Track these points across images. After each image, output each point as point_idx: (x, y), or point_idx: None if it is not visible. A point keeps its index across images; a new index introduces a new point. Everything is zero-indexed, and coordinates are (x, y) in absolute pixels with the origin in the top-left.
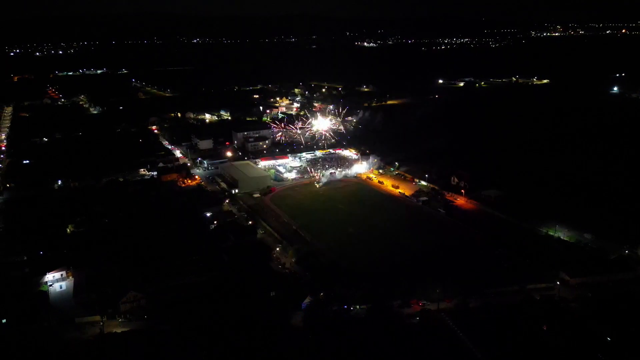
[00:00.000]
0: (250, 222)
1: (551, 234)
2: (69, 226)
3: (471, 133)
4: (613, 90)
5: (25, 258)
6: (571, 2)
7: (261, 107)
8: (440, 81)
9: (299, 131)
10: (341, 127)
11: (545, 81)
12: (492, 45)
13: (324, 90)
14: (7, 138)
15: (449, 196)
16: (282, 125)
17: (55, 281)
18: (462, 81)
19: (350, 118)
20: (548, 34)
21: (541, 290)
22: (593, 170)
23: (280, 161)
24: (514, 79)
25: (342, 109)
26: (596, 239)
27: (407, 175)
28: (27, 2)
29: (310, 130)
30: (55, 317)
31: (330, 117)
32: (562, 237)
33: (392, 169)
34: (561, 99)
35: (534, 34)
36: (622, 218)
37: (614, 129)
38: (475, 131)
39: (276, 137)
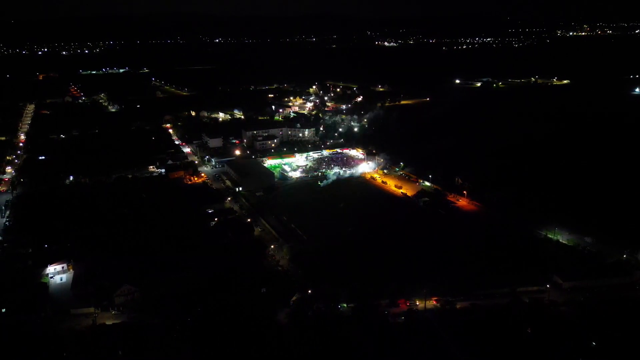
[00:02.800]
0: (249, 220)
1: (550, 236)
2: (75, 220)
3: (480, 134)
4: (635, 91)
5: (30, 250)
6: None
7: (273, 107)
8: (457, 81)
9: None
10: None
11: (565, 82)
12: (516, 45)
13: (338, 90)
14: (26, 135)
15: (451, 197)
16: None
17: (56, 273)
18: (479, 81)
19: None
20: (574, 34)
21: (532, 293)
22: (601, 174)
23: (286, 160)
24: (532, 79)
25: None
26: (597, 242)
27: (411, 175)
28: (57, 3)
29: None
30: (53, 308)
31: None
32: (560, 240)
33: (397, 169)
34: (578, 100)
35: (560, 34)
36: (625, 222)
37: (626, 132)
38: (484, 132)
39: None
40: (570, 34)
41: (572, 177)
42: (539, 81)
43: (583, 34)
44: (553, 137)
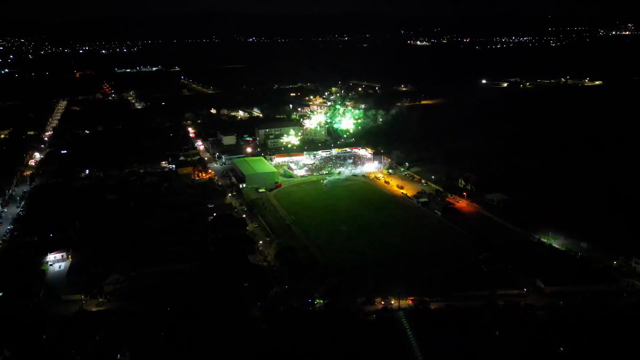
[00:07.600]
0: (244, 216)
1: (543, 240)
2: (82, 211)
3: (492, 135)
4: None
5: (36, 239)
6: None
7: (291, 105)
8: (484, 81)
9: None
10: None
11: (597, 82)
12: (553, 44)
13: (360, 89)
14: (54, 130)
15: (450, 198)
16: None
17: (56, 261)
18: (506, 82)
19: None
20: (618, 33)
21: (512, 296)
22: (604, 176)
23: (294, 158)
24: (563, 79)
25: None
26: (592, 248)
27: (415, 175)
28: (100, 2)
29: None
30: (48, 293)
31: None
32: (553, 245)
33: (402, 169)
34: (604, 101)
35: (602, 33)
36: (626, 228)
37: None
38: (495, 133)
39: None
40: (613, 33)
41: (575, 179)
42: (570, 82)
43: (627, 33)
44: (560, 138)
